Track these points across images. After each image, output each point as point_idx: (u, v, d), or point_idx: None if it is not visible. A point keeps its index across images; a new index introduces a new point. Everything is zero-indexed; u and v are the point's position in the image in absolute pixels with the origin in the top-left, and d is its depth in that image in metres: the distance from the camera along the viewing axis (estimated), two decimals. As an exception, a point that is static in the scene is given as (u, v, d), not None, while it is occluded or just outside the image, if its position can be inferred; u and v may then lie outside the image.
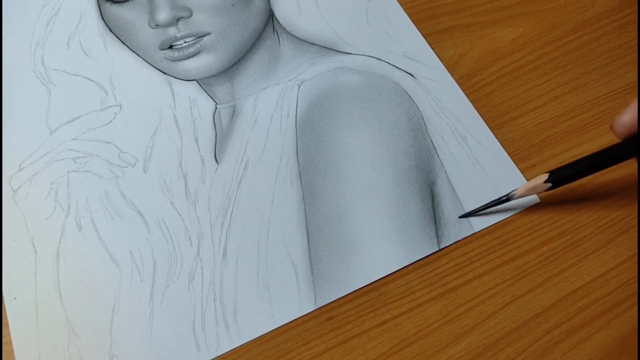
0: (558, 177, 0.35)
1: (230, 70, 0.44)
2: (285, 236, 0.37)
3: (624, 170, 0.40)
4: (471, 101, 0.43)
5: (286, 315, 0.35)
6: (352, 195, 0.38)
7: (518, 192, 0.37)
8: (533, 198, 0.39)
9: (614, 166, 0.35)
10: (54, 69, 0.44)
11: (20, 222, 0.38)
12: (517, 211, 0.39)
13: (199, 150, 0.41)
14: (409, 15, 0.48)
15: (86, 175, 0.40)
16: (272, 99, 0.43)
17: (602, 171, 0.40)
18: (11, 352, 0.34)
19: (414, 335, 0.35)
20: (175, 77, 0.44)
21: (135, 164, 0.40)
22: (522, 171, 0.40)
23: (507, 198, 0.37)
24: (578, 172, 0.35)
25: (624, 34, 0.47)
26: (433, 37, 0.47)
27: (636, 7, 0.49)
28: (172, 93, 0.43)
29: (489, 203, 0.38)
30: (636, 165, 0.34)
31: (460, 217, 0.38)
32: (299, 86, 0.43)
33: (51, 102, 0.43)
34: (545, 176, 0.36)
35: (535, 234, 0.38)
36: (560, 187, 0.39)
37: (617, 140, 0.34)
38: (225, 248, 0.37)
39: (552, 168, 0.41)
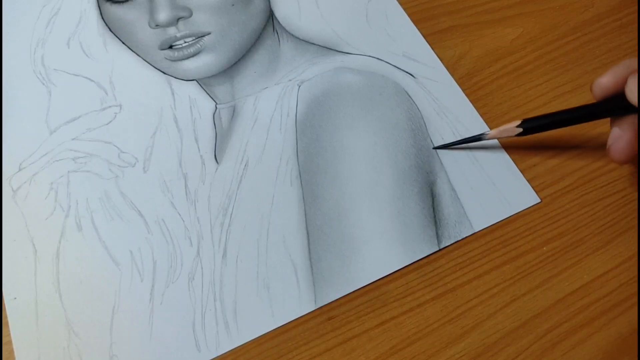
0: (529, 125, 0.37)
1: (230, 70, 0.44)
2: (285, 236, 0.37)
3: (625, 170, 0.40)
4: (471, 101, 0.43)
5: (286, 315, 0.35)
6: (352, 195, 0.38)
7: (490, 134, 0.39)
8: (533, 198, 0.39)
9: (615, 166, 0.35)
10: (54, 69, 0.44)
11: (20, 222, 0.38)
12: (517, 211, 0.39)
13: (199, 150, 0.41)
14: (409, 15, 0.48)
15: (86, 175, 0.40)
16: (272, 99, 0.43)
17: (603, 170, 0.40)
18: (11, 352, 0.34)
19: (414, 335, 0.35)
20: (175, 77, 0.44)
21: (135, 164, 0.40)
22: (522, 171, 0.40)
23: (480, 137, 0.39)
24: (549, 124, 0.37)
25: (624, 34, 0.47)
26: (433, 37, 0.47)
27: (636, 7, 0.49)
28: (172, 93, 0.43)
29: (461, 139, 0.40)
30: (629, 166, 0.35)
31: (434, 148, 0.40)
32: (299, 86, 0.43)
33: (51, 102, 0.43)
34: (517, 122, 0.37)
35: (535, 234, 0.38)
36: (561, 186, 0.40)
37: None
38: (225, 248, 0.37)
39: (552, 168, 0.41)
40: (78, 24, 0.47)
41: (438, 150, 0.41)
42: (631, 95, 0.33)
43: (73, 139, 0.41)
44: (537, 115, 0.38)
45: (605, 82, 0.34)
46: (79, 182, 0.40)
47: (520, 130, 0.37)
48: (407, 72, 0.44)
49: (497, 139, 0.40)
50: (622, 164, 0.37)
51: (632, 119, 0.34)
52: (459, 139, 0.40)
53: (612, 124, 0.36)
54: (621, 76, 0.34)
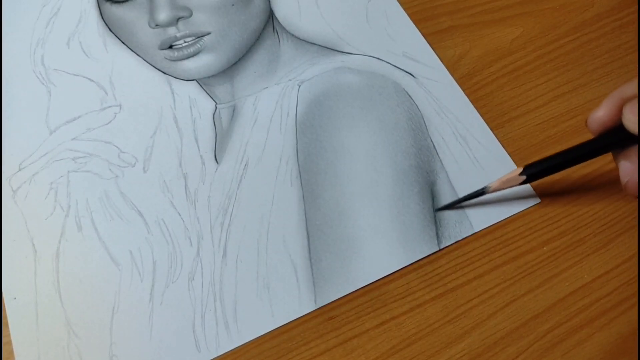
0: (532, 171, 0.36)
1: (230, 70, 0.44)
2: (285, 236, 0.37)
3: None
4: (471, 101, 0.43)
5: (286, 315, 0.35)
6: (352, 195, 0.38)
7: (492, 186, 0.37)
8: (533, 198, 0.39)
9: (615, 166, 0.35)
10: (54, 69, 0.44)
11: (20, 222, 0.38)
12: (517, 211, 0.39)
13: (199, 150, 0.41)
14: (409, 15, 0.48)
15: (86, 175, 0.40)
16: (272, 99, 0.43)
17: (603, 170, 0.40)
18: (11, 352, 0.34)
19: (414, 336, 0.35)
20: (175, 77, 0.44)
21: (135, 164, 0.40)
22: (522, 171, 0.40)
23: (482, 192, 0.37)
24: (552, 167, 0.36)
25: (624, 34, 0.47)
26: (433, 37, 0.47)
27: (636, 7, 0.49)
28: (172, 93, 0.43)
29: (463, 197, 0.38)
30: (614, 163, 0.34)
31: (435, 210, 0.38)
32: (299, 86, 0.43)
33: (51, 102, 0.43)
34: (520, 170, 0.36)
35: (535, 234, 0.38)
36: (561, 186, 0.40)
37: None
38: (225, 248, 0.37)
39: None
40: (78, 24, 0.47)
41: (438, 150, 0.41)
42: (630, 125, 0.31)
43: (73, 139, 0.41)
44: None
45: (600, 116, 0.33)
46: (79, 182, 0.40)
47: (524, 178, 0.36)
48: (407, 72, 0.44)
49: (501, 190, 0.38)
50: None
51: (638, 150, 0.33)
52: (461, 196, 0.38)
53: (616, 157, 0.34)
54: (616, 107, 0.32)
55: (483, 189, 0.37)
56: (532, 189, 0.39)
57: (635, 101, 0.31)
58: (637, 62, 0.46)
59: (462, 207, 0.38)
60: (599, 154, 0.35)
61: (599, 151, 0.34)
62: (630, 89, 0.32)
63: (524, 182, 0.36)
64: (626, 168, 0.33)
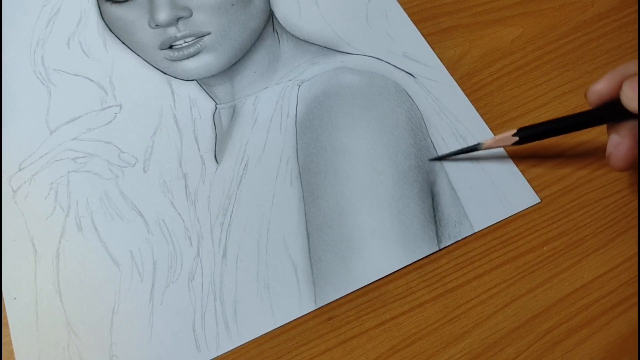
0: (525, 133, 0.37)
1: (230, 70, 0.44)
2: (285, 236, 0.37)
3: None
4: (471, 101, 0.43)
5: (286, 315, 0.35)
6: (352, 195, 0.38)
7: (486, 143, 0.38)
8: (533, 198, 0.39)
9: (616, 167, 0.35)
10: (54, 69, 0.44)
11: (20, 222, 0.38)
12: (517, 211, 0.39)
13: (199, 150, 0.41)
14: (409, 15, 0.48)
15: (86, 175, 0.40)
16: (272, 99, 0.43)
17: (603, 170, 0.40)
18: (11, 352, 0.34)
19: (414, 335, 0.35)
20: (175, 77, 0.44)
21: (135, 164, 0.40)
22: (522, 171, 0.40)
23: (476, 147, 0.39)
24: (545, 132, 0.37)
25: (624, 34, 0.47)
26: (433, 37, 0.47)
27: (636, 7, 0.49)
28: (172, 93, 0.43)
29: (456, 150, 0.40)
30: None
31: (430, 159, 0.40)
32: (299, 86, 0.43)
33: (51, 102, 0.43)
34: (513, 131, 0.37)
35: (535, 234, 0.38)
36: (561, 186, 0.40)
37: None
38: (225, 248, 0.37)
39: (552, 168, 0.41)
40: (78, 24, 0.47)
41: (438, 150, 0.41)
42: (627, 100, 0.32)
43: (73, 139, 0.41)
44: (534, 122, 0.38)
45: (600, 88, 0.34)
46: (79, 182, 0.40)
47: (516, 139, 0.37)
48: (407, 72, 0.44)
49: (494, 148, 0.39)
50: (622, 171, 0.37)
51: (629, 125, 0.34)
52: (456, 149, 0.40)
53: (609, 131, 0.35)
54: (616, 82, 0.33)
55: (476, 145, 0.39)
56: (532, 188, 0.39)
57: (636, 78, 0.32)
58: (637, 62, 0.46)
59: (460, 205, 0.38)
60: (592, 125, 0.36)
61: (593, 122, 0.35)
62: (633, 66, 0.33)
63: (516, 143, 0.37)
64: (614, 140, 0.34)
